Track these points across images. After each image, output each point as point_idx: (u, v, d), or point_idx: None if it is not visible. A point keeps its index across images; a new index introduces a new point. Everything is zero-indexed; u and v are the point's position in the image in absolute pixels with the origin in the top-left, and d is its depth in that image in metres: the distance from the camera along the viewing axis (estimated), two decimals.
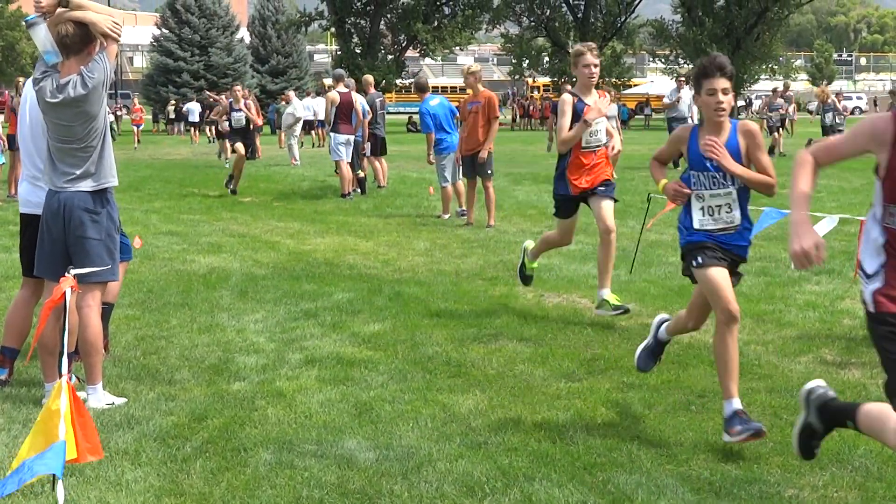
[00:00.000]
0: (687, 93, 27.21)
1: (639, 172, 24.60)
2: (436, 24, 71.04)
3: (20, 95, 7.87)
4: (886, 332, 4.45)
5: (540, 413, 6.54)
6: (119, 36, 6.66)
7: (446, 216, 16.74)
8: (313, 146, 40.48)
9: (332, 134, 20.25)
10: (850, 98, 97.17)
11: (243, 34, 76.62)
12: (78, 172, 6.65)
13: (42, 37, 6.48)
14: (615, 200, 9.63)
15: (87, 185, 6.67)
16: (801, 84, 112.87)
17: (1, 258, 12.55)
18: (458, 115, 16.92)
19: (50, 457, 4.12)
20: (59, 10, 6.55)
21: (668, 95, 28.24)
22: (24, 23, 6.52)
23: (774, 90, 34.79)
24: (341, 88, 20.46)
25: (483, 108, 15.58)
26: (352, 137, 20.27)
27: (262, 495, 5.24)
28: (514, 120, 71.69)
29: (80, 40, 6.57)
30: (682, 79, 28.02)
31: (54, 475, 4.19)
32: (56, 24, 6.55)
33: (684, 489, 5.25)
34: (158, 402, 6.80)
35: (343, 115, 20.15)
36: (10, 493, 4.22)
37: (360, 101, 20.55)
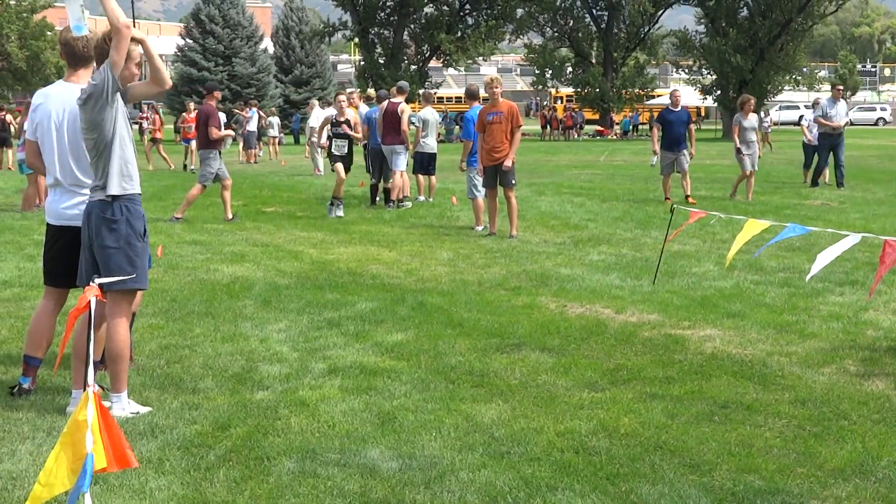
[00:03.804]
0: (843, 104, 25.30)
1: (659, 182, 24.54)
2: (459, 34, 71.24)
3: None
4: None
5: (563, 423, 6.53)
6: (126, 28, 6.61)
7: (479, 228, 16.64)
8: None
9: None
10: (874, 109, 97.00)
11: (267, 44, 76.86)
12: (101, 182, 6.71)
13: (73, 8, 6.51)
14: None
15: (102, 194, 6.72)
16: (824, 95, 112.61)
17: (26, 267, 12.61)
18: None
19: (81, 476, 4.15)
20: None
21: (821, 108, 25.23)
22: None
23: None
24: (396, 100, 20.64)
25: (506, 118, 15.58)
26: (403, 147, 20.43)
27: None
28: (543, 129, 71.59)
29: (91, 55, 6.71)
30: (840, 88, 26.01)
31: (82, 491, 4.21)
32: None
33: (707, 500, 5.24)
34: (182, 411, 6.82)
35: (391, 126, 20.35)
36: None
37: (407, 114, 20.67)
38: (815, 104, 26.79)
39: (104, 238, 6.69)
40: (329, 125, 20.13)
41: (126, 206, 6.78)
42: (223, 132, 18.95)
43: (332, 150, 19.94)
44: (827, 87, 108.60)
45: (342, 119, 19.77)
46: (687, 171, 21.51)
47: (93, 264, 6.72)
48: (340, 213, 19.00)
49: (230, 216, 18.43)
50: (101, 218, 6.68)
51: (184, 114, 37.30)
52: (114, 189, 6.72)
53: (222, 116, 48.69)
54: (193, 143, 34.74)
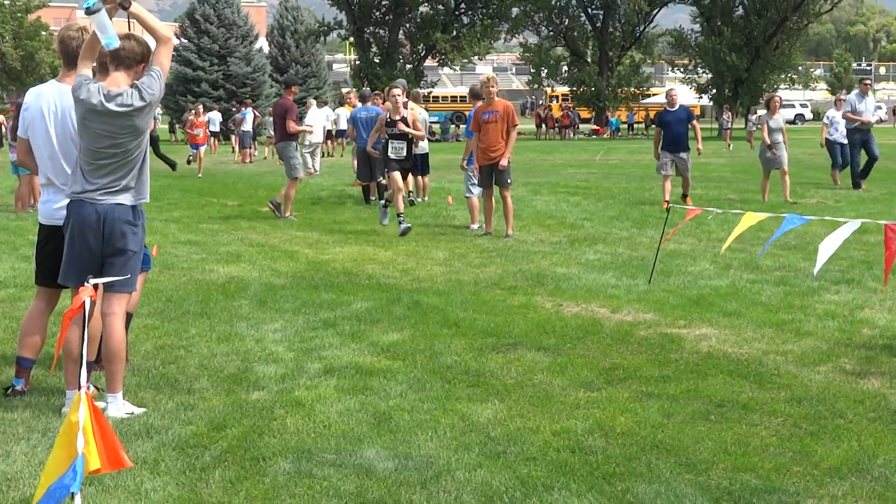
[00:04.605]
0: (871, 100, 24.55)
1: (657, 182, 24.57)
2: (454, 33, 71.28)
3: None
4: None
5: (559, 422, 6.53)
6: (173, 38, 6.82)
7: (475, 226, 16.65)
8: (324, 155, 40.18)
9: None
10: None
11: (262, 44, 76.91)
12: (117, 186, 6.69)
13: (105, 22, 6.52)
14: None
15: (126, 199, 6.73)
16: (820, 94, 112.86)
17: (21, 268, 12.60)
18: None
19: (69, 476, 4.13)
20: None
21: (850, 103, 24.21)
22: (83, 8, 6.51)
23: None
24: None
25: (501, 117, 15.58)
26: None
27: None
28: (538, 128, 71.82)
29: (133, 56, 6.70)
30: (867, 83, 24.58)
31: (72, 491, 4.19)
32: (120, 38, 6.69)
33: (703, 499, 5.24)
34: (177, 412, 6.81)
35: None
36: None
37: (420, 111, 20.79)
38: (836, 102, 25.94)
39: (127, 242, 6.74)
40: (383, 126, 17.05)
41: (141, 210, 6.88)
42: (301, 126, 19.23)
43: (389, 154, 16.80)
44: (823, 85, 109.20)
45: (397, 117, 16.96)
46: (688, 175, 20.78)
47: (90, 264, 6.71)
48: (406, 224, 16.07)
49: (288, 214, 18.83)
50: (125, 222, 6.73)
51: (191, 117, 34.58)
52: (148, 195, 6.84)
53: (218, 115, 48.05)
54: (202, 149, 33.33)
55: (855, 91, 24.82)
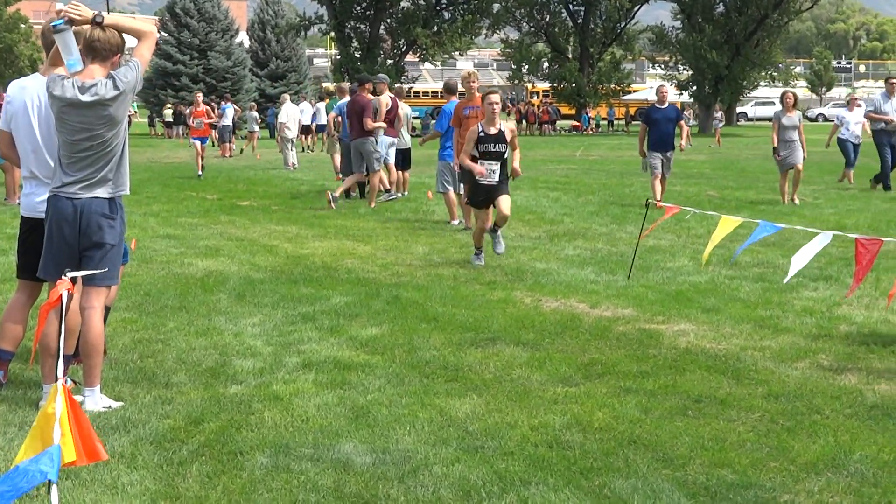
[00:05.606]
0: None
1: (638, 178, 24.61)
2: (435, 28, 71.18)
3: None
4: None
5: (537, 417, 6.53)
6: (155, 32, 6.81)
7: (455, 222, 16.61)
8: (303, 150, 40.18)
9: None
10: None
11: (242, 38, 76.72)
12: (95, 178, 6.65)
13: (70, 43, 6.49)
14: None
15: (104, 192, 6.70)
16: (800, 91, 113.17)
17: None
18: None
19: (45, 462, 4.09)
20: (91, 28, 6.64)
21: (873, 102, 23.59)
22: (51, 27, 6.50)
23: None
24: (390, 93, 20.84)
25: (482, 112, 15.53)
26: (396, 140, 20.68)
27: (259, 499, 5.23)
28: (518, 123, 72.01)
29: (109, 47, 6.66)
30: (894, 82, 23.18)
31: (49, 480, 4.17)
32: (91, 29, 6.65)
33: (680, 494, 5.25)
34: (155, 406, 6.79)
35: (387, 118, 20.51)
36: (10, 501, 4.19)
37: (404, 106, 21.07)
38: (849, 102, 25.19)
39: (104, 236, 6.71)
40: (474, 142, 12.62)
41: (120, 204, 6.84)
42: (377, 123, 19.68)
43: (479, 180, 12.59)
44: (803, 83, 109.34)
45: (493, 130, 12.60)
46: (668, 178, 19.92)
47: (68, 258, 6.69)
48: (481, 261, 12.69)
49: (373, 205, 19.45)
50: (102, 216, 6.69)
51: (191, 107, 32.03)
52: (126, 189, 6.82)
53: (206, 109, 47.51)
54: (198, 143, 29.51)
55: (881, 91, 24.15)
